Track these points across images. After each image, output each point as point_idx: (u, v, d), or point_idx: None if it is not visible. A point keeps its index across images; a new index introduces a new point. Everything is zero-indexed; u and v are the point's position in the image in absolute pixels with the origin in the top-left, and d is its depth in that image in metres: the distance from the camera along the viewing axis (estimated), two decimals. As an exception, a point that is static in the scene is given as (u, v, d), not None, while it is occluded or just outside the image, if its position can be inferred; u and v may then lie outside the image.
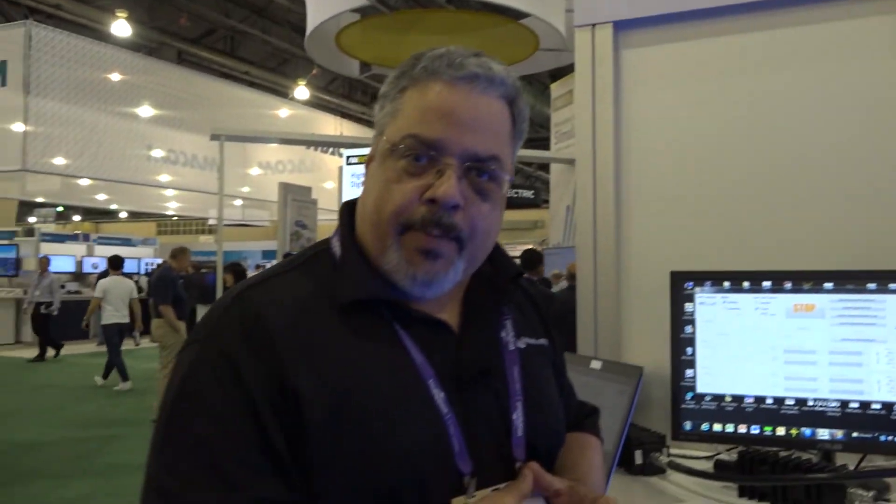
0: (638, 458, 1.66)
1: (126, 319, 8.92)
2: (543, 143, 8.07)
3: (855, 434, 1.53)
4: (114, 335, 8.95)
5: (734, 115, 1.90)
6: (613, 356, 1.93)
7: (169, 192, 14.41)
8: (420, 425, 0.90)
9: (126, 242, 20.41)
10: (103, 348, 9.63)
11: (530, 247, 6.88)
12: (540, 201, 10.89)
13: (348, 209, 1.05)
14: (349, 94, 16.00)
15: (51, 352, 11.94)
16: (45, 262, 12.52)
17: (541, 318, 1.17)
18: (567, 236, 7.21)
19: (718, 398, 1.63)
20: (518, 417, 1.00)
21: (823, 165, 1.81)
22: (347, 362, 0.89)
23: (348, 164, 8.13)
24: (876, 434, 1.52)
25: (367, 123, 16.28)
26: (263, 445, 0.84)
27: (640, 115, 2.01)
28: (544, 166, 10.08)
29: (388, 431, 0.88)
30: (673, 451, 1.73)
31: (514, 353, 1.05)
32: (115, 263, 9.39)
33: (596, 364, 1.75)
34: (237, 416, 0.84)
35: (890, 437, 1.51)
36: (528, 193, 9.92)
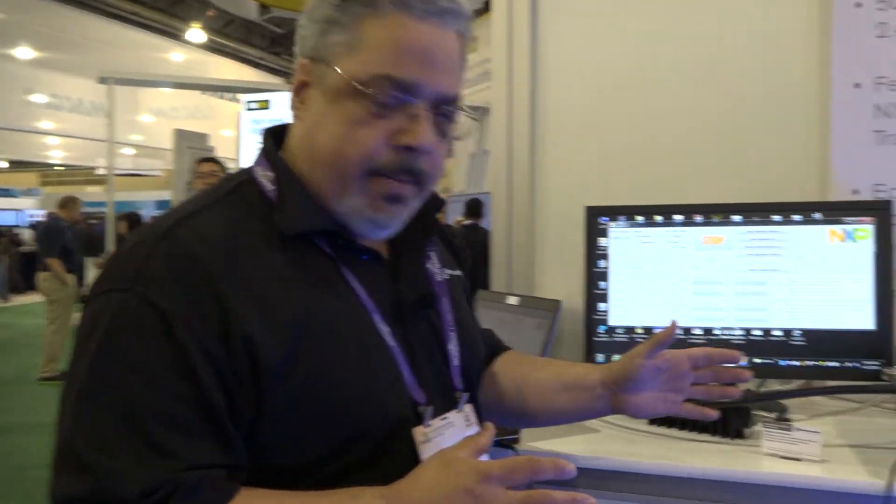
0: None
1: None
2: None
3: (757, 360, 1.60)
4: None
5: (649, 51, 1.91)
6: (527, 292, 1.94)
7: (53, 140, 13.57)
8: (375, 359, 0.88)
9: (5, 193, 19.16)
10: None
11: (474, 196, 6.90)
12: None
13: (273, 137, 0.98)
14: (247, 39, 15.37)
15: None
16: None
17: (451, 248, 1.17)
18: (472, 183, 7.24)
19: (630, 330, 1.66)
20: (454, 347, 1.00)
21: (733, 100, 1.84)
22: (297, 300, 0.84)
23: (248, 110, 7.83)
24: (776, 359, 1.59)
25: (267, 69, 15.73)
26: (198, 406, 0.76)
27: (557, 52, 1.99)
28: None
29: (347, 368, 0.84)
30: (586, 383, 1.76)
31: (442, 283, 1.05)
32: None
33: (513, 300, 1.75)
34: (168, 373, 0.75)
35: (789, 362, 1.58)
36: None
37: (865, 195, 1.71)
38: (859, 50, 1.70)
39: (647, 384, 1.08)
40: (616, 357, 1.66)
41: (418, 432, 0.88)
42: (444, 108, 0.90)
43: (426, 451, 0.86)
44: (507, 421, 1.22)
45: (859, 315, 1.55)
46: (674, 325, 1.04)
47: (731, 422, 1.45)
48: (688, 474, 1.32)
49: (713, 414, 1.12)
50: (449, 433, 0.90)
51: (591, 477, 1.32)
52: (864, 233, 1.56)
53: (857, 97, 1.71)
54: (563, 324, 1.74)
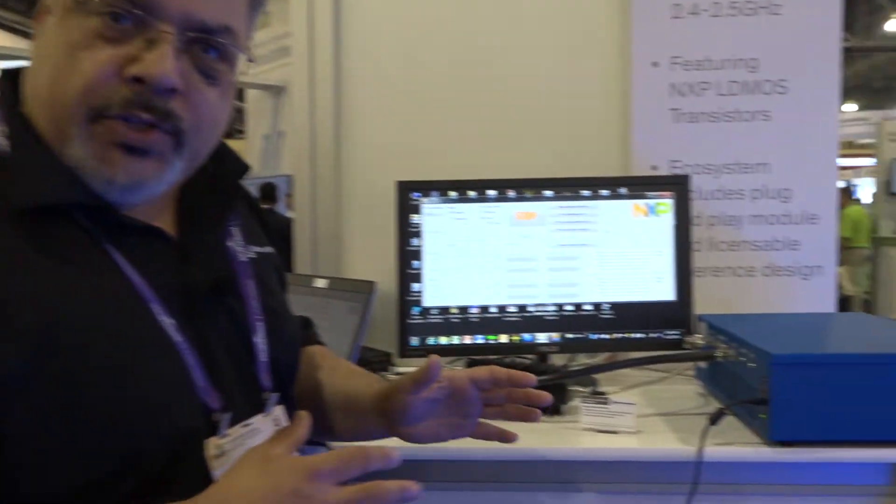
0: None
1: None
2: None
3: (569, 335, 1.60)
4: None
5: (455, 25, 1.85)
6: (336, 275, 1.82)
7: None
8: (154, 360, 0.70)
9: None
10: None
11: (268, 180, 6.51)
12: (234, 131, 10.34)
13: (10, 80, 0.77)
14: (2, 2, 13.65)
15: None
16: None
17: (261, 222, 1.01)
18: (266, 166, 6.93)
19: (444, 310, 1.60)
20: (260, 340, 0.84)
21: (540, 77, 1.83)
22: (41, 294, 0.65)
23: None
24: (587, 333, 1.60)
25: (25, 34, 14.08)
26: None
27: (361, 25, 1.86)
28: (238, 93, 9.45)
29: (114, 373, 0.66)
30: (400, 368, 1.68)
31: (247, 264, 0.88)
32: None
33: (321, 282, 1.62)
34: None
35: (599, 335, 1.60)
36: (221, 122, 9.33)
37: (663, 171, 1.77)
38: (656, 30, 1.75)
39: (422, 415, 0.96)
40: (431, 340, 1.59)
41: (211, 445, 0.72)
42: (205, 38, 0.72)
43: (221, 467, 0.71)
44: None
45: (661, 287, 1.60)
46: (434, 363, 0.88)
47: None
48: (509, 457, 1.27)
49: (514, 436, 1.01)
50: (253, 442, 0.75)
51: (412, 467, 1.23)
52: (665, 207, 1.61)
53: (654, 76, 1.76)
54: (376, 307, 1.64)
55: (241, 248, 0.89)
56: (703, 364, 1.54)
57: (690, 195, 1.61)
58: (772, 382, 1.19)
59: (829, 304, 1.75)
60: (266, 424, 0.80)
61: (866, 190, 8.38)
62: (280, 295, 0.98)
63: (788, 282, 1.76)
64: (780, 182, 1.76)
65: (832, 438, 1.19)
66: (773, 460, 1.21)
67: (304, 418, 0.76)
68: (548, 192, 1.61)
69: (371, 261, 1.79)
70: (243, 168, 0.91)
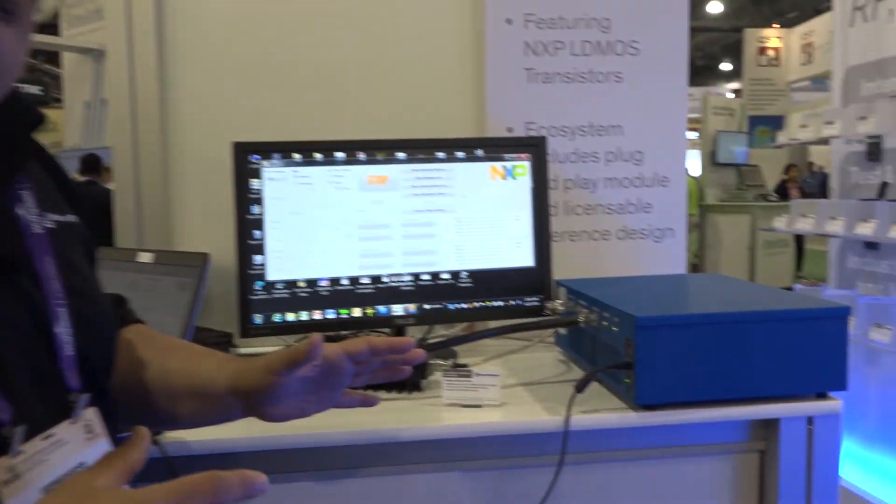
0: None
1: None
2: (54, 30, 6.87)
3: (427, 306, 1.51)
4: None
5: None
6: (166, 248, 1.62)
7: None
8: None
9: None
10: None
11: (91, 151, 5.92)
12: (50, 99, 9.44)
13: None
14: None
15: None
16: None
17: (64, 185, 0.83)
18: (88, 137, 6.34)
19: (292, 284, 1.46)
20: (64, 330, 0.67)
21: (389, 33, 1.71)
22: None
23: None
24: (445, 303, 1.51)
25: None
26: None
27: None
28: (54, 58, 8.69)
29: None
30: (242, 349, 1.52)
31: (43, 236, 0.71)
32: None
33: (146, 257, 1.42)
34: None
35: (458, 305, 1.52)
36: (35, 89, 8.44)
37: (519, 133, 1.71)
38: (509, -16, 1.68)
39: (290, 395, 0.87)
40: (277, 317, 1.44)
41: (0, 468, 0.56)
42: None
43: (15, 494, 0.55)
44: (127, 419, 0.85)
45: (520, 252, 1.54)
46: (315, 343, 0.81)
47: (409, 375, 1.33)
48: (366, 440, 1.16)
49: (376, 399, 0.98)
50: (58, 457, 0.60)
51: (258, 459, 1.09)
52: (523, 170, 1.55)
53: (508, 33, 1.69)
54: (213, 283, 1.47)
55: (35, 217, 0.71)
56: (562, 330, 1.50)
57: (547, 158, 1.56)
58: (636, 346, 1.15)
59: (680, 266, 1.77)
60: (74, 433, 0.64)
61: (693, 161, 8.95)
62: (87, 272, 0.80)
63: (642, 244, 1.76)
64: (632, 145, 1.75)
65: (694, 399, 1.18)
66: (639, 425, 1.19)
67: (142, 438, 0.61)
68: (401, 155, 1.50)
69: (207, 232, 1.61)
70: (37, 118, 0.73)
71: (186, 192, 1.67)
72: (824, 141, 3.21)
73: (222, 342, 1.48)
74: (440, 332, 1.66)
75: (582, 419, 1.17)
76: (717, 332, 1.17)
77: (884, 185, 2.92)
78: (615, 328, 1.22)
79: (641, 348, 1.15)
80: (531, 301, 1.54)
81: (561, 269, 1.58)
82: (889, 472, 2.93)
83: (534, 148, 1.56)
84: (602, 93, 1.73)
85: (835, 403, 1.22)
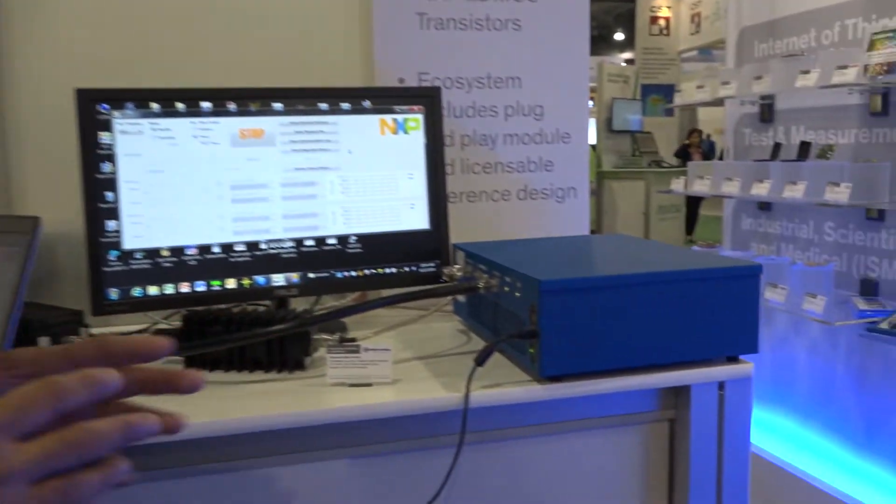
0: (46, 344, 1.20)
1: None
2: None
3: (311, 275, 1.35)
4: None
5: None
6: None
7: None
8: None
9: None
10: None
11: None
12: None
13: None
14: None
15: None
16: None
17: None
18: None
19: (153, 253, 1.27)
20: None
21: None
22: None
23: None
24: (332, 272, 1.36)
25: None
26: None
27: None
28: None
29: None
30: (96, 329, 1.32)
31: None
32: None
33: (-31, 224, 1.20)
34: None
35: (346, 273, 1.37)
36: None
37: (411, 84, 1.56)
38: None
39: None
40: (137, 291, 1.26)
41: None
42: None
43: None
44: None
45: (414, 215, 1.41)
46: None
47: (288, 351, 1.18)
48: (239, 429, 1.01)
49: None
50: None
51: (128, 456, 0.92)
52: (416, 123, 1.41)
53: (398, -27, 1.53)
54: (56, 256, 1.26)
55: None
56: (461, 298, 1.38)
57: (442, 111, 1.42)
58: (541, 312, 1.04)
59: (583, 227, 1.68)
60: None
61: (589, 129, 9.06)
62: None
63: (544, 205, 1.66)
64: (532, 98, 1.64)
65: (602, 368, 1.08)
66: (544, 398, 1.08)
67: None
68: (277, 105, 1.32)
69: (48, 196, 1.39)
70: None
71: (23, 150, 1.44)
72: (719, 102, 3.21)
73: (71, 322, 1.28)
74: (329, 304, 1.51)
75: (483, 394, 1.05)
76: (628, 295, 1.07)
77: (777, 146, 2.95)
78: (518, 294, 1.11)
79: (546, 315, 1.04)
80: (427, 267, 1.41)
81: (459, 233, 1.46)
82: (781, 431, 3.00)
83: (427, 99, 1.42)
84: (500, 41, 1.60)
85: (747, 367, 1.15)
